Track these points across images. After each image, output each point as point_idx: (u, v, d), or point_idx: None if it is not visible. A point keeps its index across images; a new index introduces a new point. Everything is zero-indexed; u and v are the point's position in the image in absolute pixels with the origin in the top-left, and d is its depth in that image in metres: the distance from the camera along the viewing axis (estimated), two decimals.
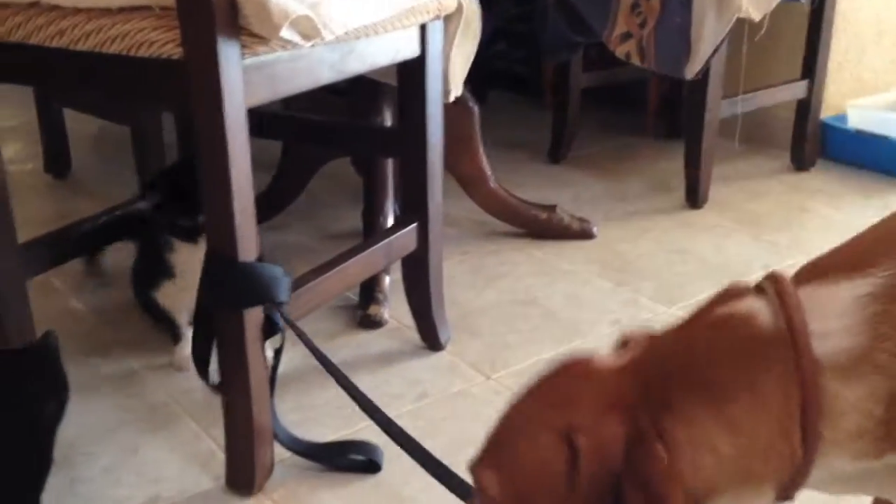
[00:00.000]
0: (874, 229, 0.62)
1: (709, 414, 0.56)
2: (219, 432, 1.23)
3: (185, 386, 1.39)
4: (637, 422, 0.56)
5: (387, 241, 1.34)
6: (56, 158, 2.35)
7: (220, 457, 1.19)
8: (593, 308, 1.66)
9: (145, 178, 2.03)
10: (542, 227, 1.97)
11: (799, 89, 2.33)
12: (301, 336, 1.09)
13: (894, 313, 0.54)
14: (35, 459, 1.07)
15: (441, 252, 1.46)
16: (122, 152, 2.23)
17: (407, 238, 1.38)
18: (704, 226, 2.04)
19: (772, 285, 0.60)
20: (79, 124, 2.42)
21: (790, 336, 0.56)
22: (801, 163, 2.40)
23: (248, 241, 1.06)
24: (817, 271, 0.60)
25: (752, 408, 0.55)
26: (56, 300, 1.65)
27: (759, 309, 0.59)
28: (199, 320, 1.13)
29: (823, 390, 0.55)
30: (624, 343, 0.67)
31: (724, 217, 2.09)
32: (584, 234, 1.97)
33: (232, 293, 1.07)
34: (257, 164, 1.04)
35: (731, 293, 0.62)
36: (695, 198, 2.14)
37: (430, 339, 1.50)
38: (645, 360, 0.61)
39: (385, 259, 1.35)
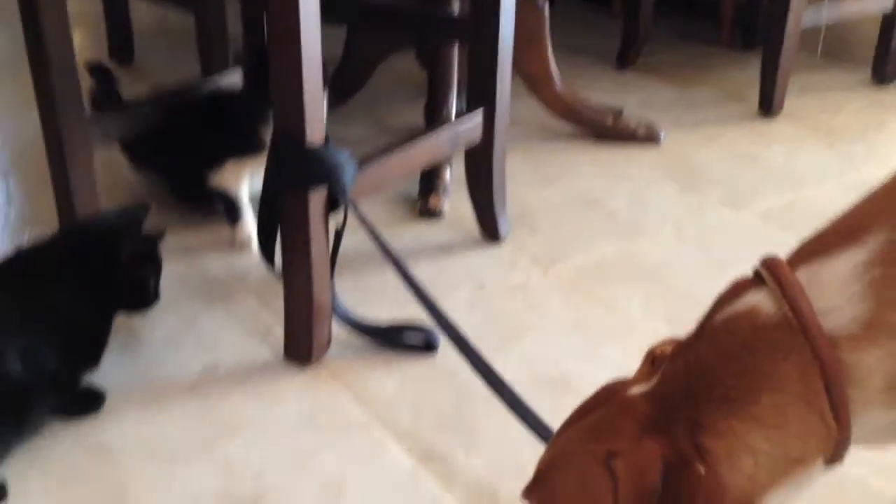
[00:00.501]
0: (861, 200, 0.62)
1: (737, 420, 0.57)
2: (277, 307, 1.23)
3: (244, 262, 1.40)
4: (676, 444, 0.58)
5: (453, 128, 1.31)
6: (120, 46, 2.35)
7: (278, 331, 1.20)
8: (657, 210, 1.62)
9: (207, 67, 2.03)
10: (608, 130, 1.92)
11: (886, 2, 2.21)
12: (364, 222, 1.09)
13: (895, 275, 0.55)
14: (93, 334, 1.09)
15: (505, 144, 1.42)
16: (185, 41, 2.22)
17: (473, 127, 1.35)
18: (777, 135, 1.97)
19: (769, 273, 0.60)
20: (143, 12, 2.41)
21: (798, 321, 0.57)
22: (881, 77, 2.30)
23: (317, 124, 1.05)
24: (811, 250, 0.60)
25: (775, 401, 0.57)
26: (119, 176, 1.65)
27: (761, 301, 0.59)
28: (265, 204, 1.13)
29: (843, 363, 0.56)
30: (652, 360, 0.68)
31: (798, 127, 2.02)
32: (651, 139, 1.92)
33: (298, 174, 1.06)
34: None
35: (731, 292, 0.63)
36: (769, 107, 2.06)
37: (490, 232, 1.48)
38: (669, 381, 0.62)
39: (450, 146, 1.32)
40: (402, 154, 1.24)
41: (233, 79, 1.54)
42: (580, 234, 1.53)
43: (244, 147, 1.39)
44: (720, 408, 0.57)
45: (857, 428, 0.58)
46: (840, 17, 2.17)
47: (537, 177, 1.75)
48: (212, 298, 1.30)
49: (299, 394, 1.09)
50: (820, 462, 0.59)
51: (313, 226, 1.09)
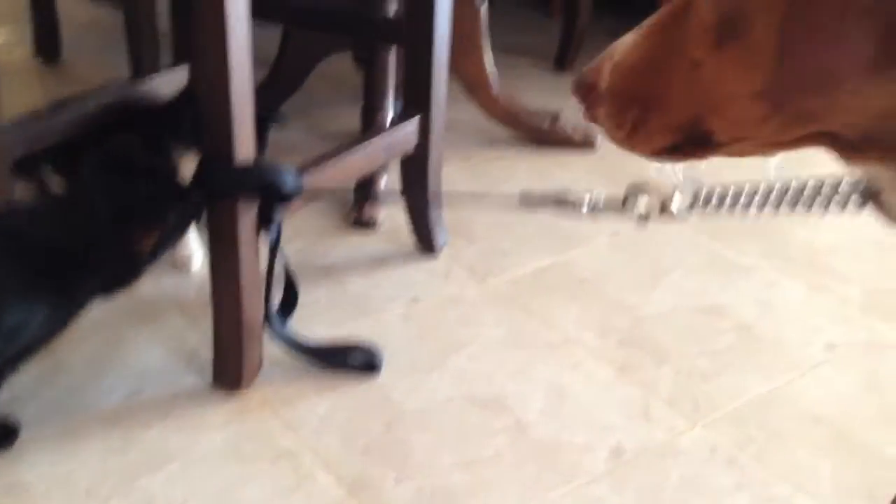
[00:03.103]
0: None
1: None
2: (207, 327, 1.20)
3: (174, 280, 1.36)
4: None
5: (388, 134, 1.29)
6: (47, 42, 2.26)
7: (207, 353, 1.17)
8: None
9: (138, 65, 1.97)
10: (545, 134, 1.91)
11: None
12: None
13: None
14: None
15: (441, 151, 1.41)
16: (115, 38, 2.15)
17: (408, 134, 1.33)
18: None
19: None
20: (71, 7, 2.33)
21: None
22: None
23: (246, 136, 1.01)
24: None
25: None
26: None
27: None
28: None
29: None
30: None
31: None
32: (587, 144, 1.92)
33: (226, 188, 1.03)
34: (253, 58, 0.98)
35: None
36: None
37: (425, 243, 1.47)
38: None
39: (385, 154, 1.30)
40: (335, 163, 1.21)
41: (158, 83, 1.49)
42: (516, 245, 1.52)
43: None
44: None
45: None
46: None
47: (474, 184, 1.74)
48: (138, 320, 1.26)
49: (226, 422, 1.07)
50: None
51: (243, 241, 1.06)
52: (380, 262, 1.45)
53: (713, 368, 1.21)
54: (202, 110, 1.01)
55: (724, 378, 1.19)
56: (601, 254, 1.50)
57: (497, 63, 1.88)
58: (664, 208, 0.70)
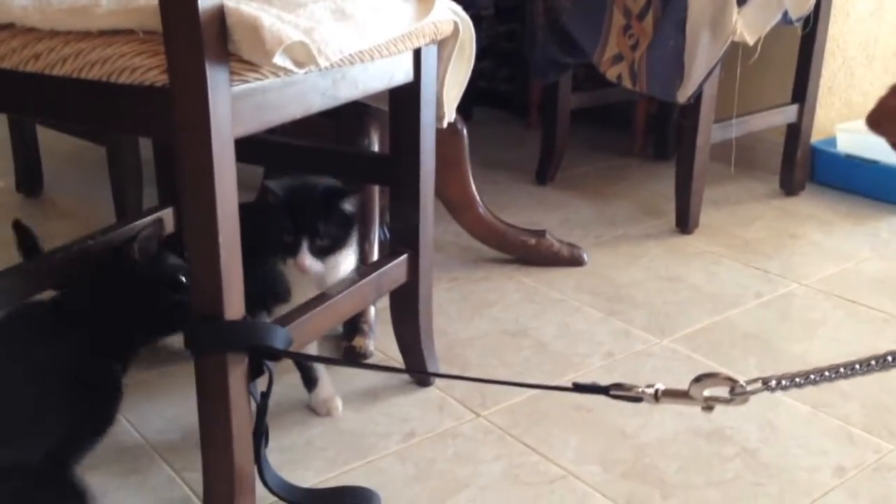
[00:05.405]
0: None
1: None
2: (194, 476, 1.16)
3: (160, 426, 1.32)
4: None
5: (377, 273, 1.28)
6: (28, 177, 2.27)
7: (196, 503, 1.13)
8: (585, 339, 1.60)
9: (121, 202, 1.97)
10: (532, 253, 1.92)
11: (789, 113, 2.30)
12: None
13: None
14: None
15: (431, 284, 1.40)
16: (97, 172, 2.15)
17: (397, 270, 1.32)
18: (695, 252, 2.00)
19: None
20: (53, 141, 2.34)
21: None
22: (790, 187, 2.37)
23: (236, 294, 0.99)
24: None
25: None
26: None
27: None
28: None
29: None
30: None
31: (715, 243, 2.05)
32: (575, 261, 1.92)
33: (215, 347, 1.01)
34: (239, 183, 0.97)
35: None
36: (685, 223, 2.10)
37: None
38: None
39: (375, 293, 1.29)
40: (325, 307, 1.19)
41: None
42: (510, 371, 1.50)
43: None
44: None
45: None
46: (748, 131, 2.24)
47: (464, 307, 1.73)
48: (123, 470, 1.22)
49: None
50: None
51: (233, 394, 1.03)
52: (373, 395, 1.42)
53: (722, 501, 1.17)
54: (190, 270, 1.00)
55: None
56: (595, 377, 1.47)
57: (478, 179, 1.88)
58: (733, 391, 0.79)
